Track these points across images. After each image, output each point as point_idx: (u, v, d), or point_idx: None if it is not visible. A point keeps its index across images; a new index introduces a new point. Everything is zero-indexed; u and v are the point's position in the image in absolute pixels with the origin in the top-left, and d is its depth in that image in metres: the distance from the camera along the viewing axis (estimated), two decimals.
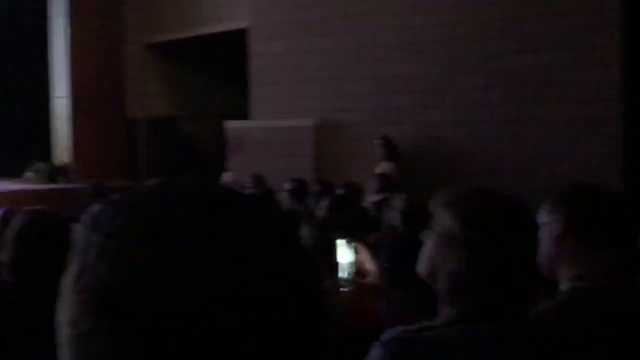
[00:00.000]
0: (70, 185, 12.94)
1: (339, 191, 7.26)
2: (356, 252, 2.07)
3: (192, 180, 0.75)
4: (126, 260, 0.65)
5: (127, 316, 0.64)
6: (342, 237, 1.99)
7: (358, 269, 2.06)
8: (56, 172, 13.54)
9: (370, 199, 7.73)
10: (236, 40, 12.34)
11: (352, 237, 2.04)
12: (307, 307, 0.70)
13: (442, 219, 1.80)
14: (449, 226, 1.77)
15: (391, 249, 4.82)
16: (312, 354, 0.70)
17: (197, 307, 0.64)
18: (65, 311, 0.67)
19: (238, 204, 0.72)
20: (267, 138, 11.29)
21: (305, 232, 2.97)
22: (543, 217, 2.19)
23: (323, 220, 3.33)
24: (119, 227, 0.67)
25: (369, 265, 2.07)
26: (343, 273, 1.99)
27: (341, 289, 2.03)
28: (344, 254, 1.99)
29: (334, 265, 1.99)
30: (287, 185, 7.69)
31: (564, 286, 2.14)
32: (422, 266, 1.85)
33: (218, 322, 0.64)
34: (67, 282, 0.68)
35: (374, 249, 4.95)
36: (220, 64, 14.84)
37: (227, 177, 9.38)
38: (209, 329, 0.64)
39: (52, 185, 12.92)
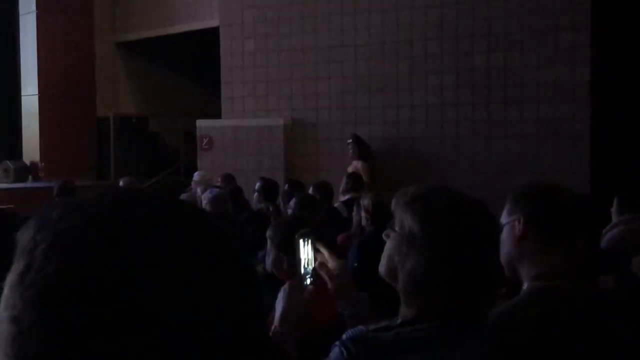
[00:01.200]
0: (38, 184, 12.83)
1: (309, 191, 7.25)
2: (317, 250, 2.06)
3: (157, 182, 0.76)
4: (74, 260, 0.66)
5: (72, 314, 0.64)
6: (304, 237, 1.98)
7: (317, 269, 2.05)
8: (24, 171, 13.41)
9: (341, 198, 7.73)
10: (206, 39, 12.30)
11: (315, 236, 2.03)
12: (238, 323, 0.71)
13: (402, 218, 1.80)
14: (409, 226, 1.78)
15: (359, 248, 4.84)
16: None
17: (142, 306, 0.65)
18: (7, 308, 0.67)
19: (184, 214, 0.74)
20: (238, 137, 11.26)
21: (270, 231, 2.97)
22: (504, 217, 2.20)
23: (288, 219, 3.32)
24: (68, 228, 0.68)
25: (331, 263, 2.06)
26: (302, 271, 1.98)
27: (303, 288, 2.02)
28: (303, 252, 1.99)
29: (296, 264, 1.99)
30: (257, 185, 7.67)
31: (525, 286, 2.15)
32: (382, 266, 1.86)
33: (161, 320, 0.65)
34: (12, 279, 0.68)
35: (343, 249, 4.96)
36: (191, 63, 14.79)
37: (197, 176, 9.33)
38: (153, 328, 0.65)
39: (21, 184, 12.80)
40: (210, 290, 0.69)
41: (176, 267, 0.67)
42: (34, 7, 13.94)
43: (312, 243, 2.03)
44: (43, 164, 13.69)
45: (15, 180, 12.96)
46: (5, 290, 0.69)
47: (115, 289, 0.65)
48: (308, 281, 2.04)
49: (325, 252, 2.08)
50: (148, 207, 0.72)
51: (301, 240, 1.98)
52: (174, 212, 0.73)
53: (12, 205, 8.22)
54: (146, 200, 0.74)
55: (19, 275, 0.67)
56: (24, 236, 0.70)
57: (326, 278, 2.05)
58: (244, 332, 0.72)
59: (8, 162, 13.35)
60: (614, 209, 5.41)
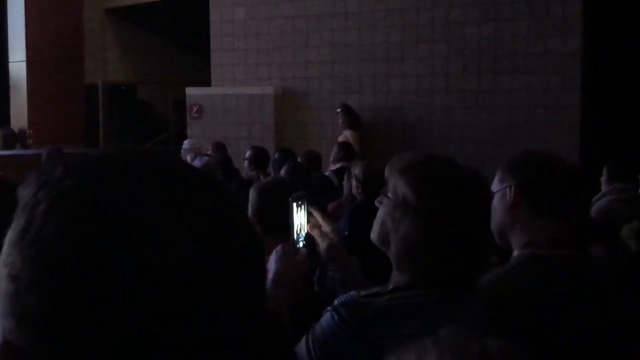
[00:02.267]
0: (27, 152, 12.78)
1: (300, 159, 7.25)
2: (310, 214, 2.07)
3: (147, 149, 0.76)
4: (74, 221, 0.65)
5: (69, 275, 0.64)
6: (298, 200, 1.98)
7: (309, 231, 2.06)
8: (13, 138, 13.35)
9: (331, 167, 7.74)
10: (196, 6, 12.21)
11: (307, 201, 2.03)
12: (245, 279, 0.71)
13: (396, 185, 1.81)
14: (402, 192, 1.78)
15: (349, 216, 4.85)
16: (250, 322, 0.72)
17: (142, 269, 0.64)
18: (6, 265, 0.67)
19: (184, 175, 0.73)
20: (228, 105, 11.22)
21: (252, 195, 2.99)
22: (495, 185, 2.20)
23: (266, 183, 3.34)
24: (70, 188, 0.68)
25: (325, 227, 2.07)
26: (294, 235, 1.98)
27: (297, 251, 2.02)
28: (297, 215, 1.99)
29: (288, 227, 1.99)
30: (248, 153, 7.66)
31: (515, 253, 2.16)
32: (375, 232, 1.86)
33: (161, 282, 0.65)
34: (12, 236, 0.68)
35: (334, 217, 4.97)
36: (180, 30, 14.68)
37: (187, 144, 9.31)
38: (153, 290, 0.65)
39: (9, 152, 12.74)
40: (214, 252, 0.68)
41: (178, 227, 0.67)
42: None
43: (305, 207, 2.03)
44: (31, 131, 13.62)
45: (4, 148, 12.90)
46: (5, 247, 0.68)
47: (115, 251, 0.64)
48: (301, 244, 2.04)
49: (318, 215, 2.08)
50: (151, 168, 0.72)
51: (295, 204, 1.99)
52: (178, 173, 0.73)
53: (0, 173, 8.18)
54: (148, 160, 0.73)
55: (19, 233, 0.67)
56: (25, 192, 0.70)
57: (318, 239, 2.06)
58: (251, 297, 0.72)
59: None
60: (603, 178, 5.45)
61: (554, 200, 2.12)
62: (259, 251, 0.75)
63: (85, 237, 0.65)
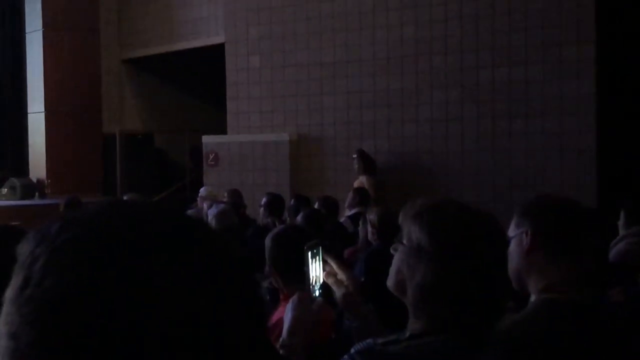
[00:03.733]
0: (45, 201, 12.85)
1: (315, 205, 7.26)
2: (325, 262, 2.06)
3: (163, 198, 0.76)
4: (72, 275, 0.65)
5: (69, 331, 0.63)
6: (313, 248, 1.98)
7: (325, 279, 2.05)
8: (31, 188, 13.43)
9: (347, 213, 7.73)
10: (212, 56, 12.34)
11: (322, 249, 2.03)
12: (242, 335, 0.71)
13: (410, 231, 1.80)
14: (417, 238, 1.77)
15: (365, 262, 4.83)
16: None
17: (141, 322, 0.64)
18: (7, 323, 0.66)
19: (185, 226, 0.73)
20: (243, 152, 11.29)
21: (267, 243, 2.99)
22: (512, 230, 2.19)
23: (282, 231, 3.34)
24: (66, 242, 0.67)
25: (341, 275, 2.06)
26: (310, 284, 1.98)
27: (313, 299, 2.02)
28: (312, 264, 1.98)
29: (304, 276, 1.99)
30: (263, 200, 7.68)
31: (533, 298, 2.15)
32: (391, 280, 1.85)
33: (161, 337, 0.64)
34: (10, 294, 0.68)
35: (350, 263, 4.95)
36: (196, 79, 14.83)
37: (203, 191, 9.34)
38: (153, 344, 0.64)
39: (27, 201, 12.81)
40: (211, 305, 0.68)
41: (177, 282, 0.66)
42: (40, 25, 14.00)
43: (320, 255, 2.03)
44: (49, 181, 13.71)
45: (22, 198, 12.97)
46: (5, 305, 0.68)
47: (114, 305, 0.64)
48: (317, 293, 2.04)
49: (333, 263, 2.07)
50: (148, 219, 0.72)
51: (309, 253, 1.98)
52: (175, 224, 0.72)
53: (19, 223, 8.23)
54: (146, 213, 0.73)
55: (17, 290, 0.67)
56: (23, 250, 0.69)
57: (334, 287, 2.05)
58: (248, 347, 0.71)
59: (15, 179, 13.36)
60: (620, 222, 5.40)
61: (570, 244, 2.11)
62: (258, 304, 0.75)
63: (82, 292, 0.64)
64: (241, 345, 0.70)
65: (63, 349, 0.63)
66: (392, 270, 1.84)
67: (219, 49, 11.94)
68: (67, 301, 0.64)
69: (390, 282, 1.85)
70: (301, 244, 1.99)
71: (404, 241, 1.82)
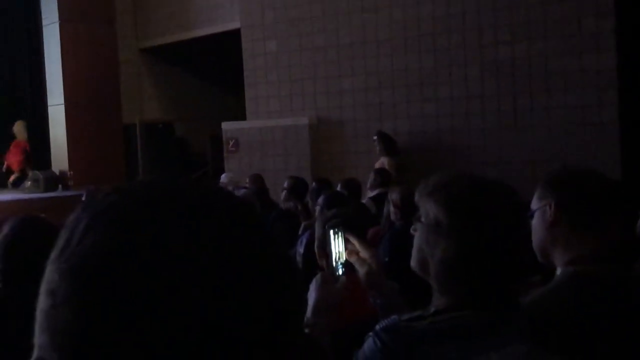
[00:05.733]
0: (68, 193, 12.93)
1: (337, 188, 7.25)
2: (348, 241, 2.06)
3: (186, 179, 0.78)
4: (110, 235, 0.67)
5: (104, 287, 0.64)
6: (335, 227, 1.98)
7: (348, 257, 2.05)
8: (54, 180, 13.52)
9: (369, 194, 7.72)
10: (229, 42, 12.34)
11: (345, 227, 2.03)
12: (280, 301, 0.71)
13: (427, 208, 1.79)
14: (434, 215, 1.76)
15: (389, 242, 4.82)
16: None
17: (176, 287, 0.65)
18: (47, 282, 0.68)
19: (223, 203, 0.74)
20: (263, 138, 11.29)
21: (317, 228, 2.99)
22: (535, 203, 2.17)
23: (331, 216, 3.33)
24: (109, 205, 0.70)
25: (363, 253, 2.06)
26: (333, 263, 1.98)
27: (336, 278, 2.02)
28: (334, 243, 1.99)
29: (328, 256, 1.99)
30: (286, 183, 7.68)
31: (559, 271, 2.13)
32: (414, 260, 1.83)
33: (194, 303, 0.65)
34: (53, 254, 0.70)
35: (373, 244, 4.94)
36: (214, 66, 14.85)
37: (225, 178, 9.36)
38: (186, 310, 0.65)
39: (50, 194, 12.91)
40: (249, 275, 0.69)
41: (216, 252, 0.67)
42: (56, 18, 14.05)
43: (342, 234, 2.03)
44: (72, 172, 13.79)
45: (46, 190, 13.06)
46: (48, 264, 0.70)
47: (148, 266, 0.65)
48: (340, 272, 2.03)
49: (355, 242, 2.07)
50: (187, 191, 0.73)
51: (332, 232, 1.98)
52: (220, 199, 0.74)
53: (43, 215, 8.28)
54: (186, 185, 0.75)
55: (59, 250, 0.69)
56: (71, 217, 0.72)
57: (357, 266, 2.05)
58: (286, 322, 0.71)
59: (37, 172, 13.46)
60: None
61: (595, 216, 2.08)
62: (293, 277, 0.75)
63: (119, 251, 0.66)
64: (281, 320, 0.70)
65: (96, 306, 0.64)
66: (414, 250, 1.83)
67: (236, 34, 11.93)
68: (103, 259, 0.66)
69: (413, 262, 1.84)
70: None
71: (422, 219, 1.80)
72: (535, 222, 2.12)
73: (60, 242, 0.70)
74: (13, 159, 14.66)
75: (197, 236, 0.68)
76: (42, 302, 0.68)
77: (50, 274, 0.68)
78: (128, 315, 0.64)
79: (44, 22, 14.42)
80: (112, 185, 0.75)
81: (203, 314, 0.65)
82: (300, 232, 6.06)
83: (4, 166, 14.69)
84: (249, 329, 0.67)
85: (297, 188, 7.60)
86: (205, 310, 0.65)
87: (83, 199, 7.73)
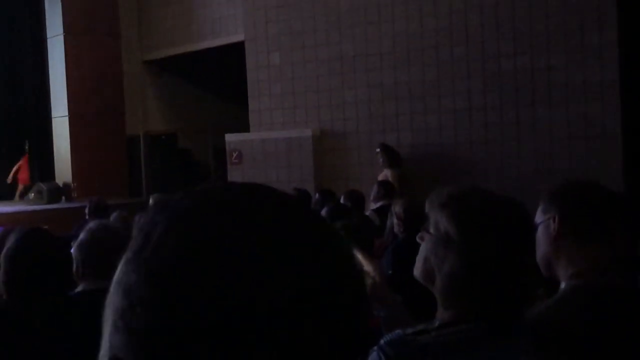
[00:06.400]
0: (72, 204, 12.95)
1: (341, 200, 7.25)
2: None
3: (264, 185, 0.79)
4: (191, 240, 0.68)
5: (183, 293, 0.65)
6: None
7: None
8: (57, 192, 13.55)
9: (372, 206, 7.72)
10: (232, 54, 12.38)
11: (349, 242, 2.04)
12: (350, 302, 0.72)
13: (437, 220, 1.79)
14: (444, 227, 1.76)
15: (392, 255, 4.82)
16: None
17: (253, 292, 0.65)
18: (120, 282, 0.69)
19: (300, 210, 0.75)
20: (267, 150, 11.31)
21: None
22: (539, 216, 2.17)
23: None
24: (188, 209, 0.71)
25: (367, 266, 2.06)
26: None
27: None
28: None
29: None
30: None
31: (563, 285, 2.13)
32: (418, 269, 1.84)
33: (268, 308, 0.66)
34: (129, 254, 0.70)
35: (377, 256, 4.94)
36: (217, 78, 14.88)
37: None
38: (260, 315, 0.65)
39: (54, 205, 12.93)
40: (323, 280, 0.69)
41: (291, 258, 0.68)
42: (61, 30, 14.12)
43: None
44: (75, 184, 13.82)
45: (49, 202, 13.09)
46: (120, 265, 0.71)
47: (227, 273, 0.66)
48: None
49: (359, 254, 2.07)
50: (266, 197, 0.74)
51: None
52: (292, 206, 0.74)
53: (46, 226, 8.29)
54: (264, 192, 0.75)
55: (135, 252, 0.70)
56: (142, 220, 0.73)
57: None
58: (355, 325, 0.72)
59: (41, 183, 13.50)
60: None
61: (598, 229, 2.09)
62: (361, 288, 0.75)
63: (200, 257, 0.66)
64: (351, 323, 0.71)
65: (177, 308, 0.65)
66: (419, 259, 1.83)
67: (239, 47, 11.97)
68: (185, 263, 0.66)
69: (417, 271, 1.84)
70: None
71: (431, 230, 1.80)
72: (539, 235, 2.12)
73: (135, 243, 0.70)
74: (24, 175, 14.69)
75: (274, 237, 0.68)
76: (117, 302, 0.69)
77: (126, 275, 0.69)
78: (208, 318, 0.65)
79: (49, 35, 14.49)
80: (183, 191, 0.76)
81: (288, 316, 0.66)
82: None
83: (10, 178, 14.70)
84: (323, 326, 0.68)
85: (302, 200, 7.60)
86: (290, 312, 0.66)
87: (87, 211, 7.73)
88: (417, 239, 1.84)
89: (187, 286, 0.65)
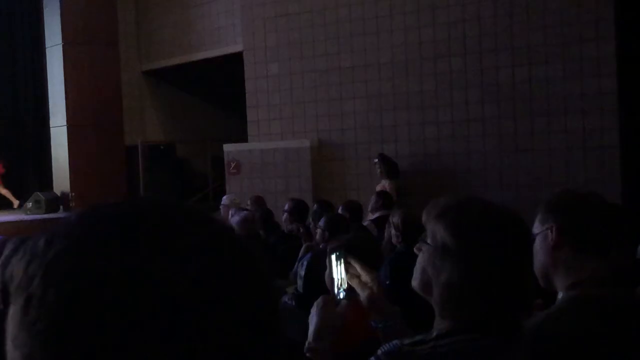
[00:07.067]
0: (69, 214, 12.91)
1: (339, 210, 7.25)
2: (349, 264, 2.06)
3: (136, 199, 0.74)
4: (72, 285, 0.64)
5: (82, 343, 0.62)
6: (336, 251, 1.98)
7: (349, 281, 2.05)
8: (56, 202, 13.53)
9: (370, 217, 7.72)
10: (231, 64, 12.39)
11: (346, 251, 2.03)
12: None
13: (435, 230, 1.78)
14: (442, 237, 1.75)
15: (390, 266, 4.81)
16: None
17: (148, 323, 0.63)
18: (17, 347, 0.65)
19: (188, 219, 0.71)
20: (265, 160, 11.31)
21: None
22: (537, 227, 2.17)
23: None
24: (58, 254, 0.66)
25: (365, 277, 2.06)
26: (334, 288, 1.99)
27: (337, 302, 2.02)
28: (336, 266, 1.99)
29: (331, 280, 2.00)
30: (287, 205, 7.68)
31: (560, 295, 2.12)
32: (416, 280, 1.83)
33: (169, 338, 0.63)
34: (15, 317, 0.67)
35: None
36: (216, 88, 14.89)
37: (226, 199, 9.36)
38: (167, 346, 0.63)
39: (52, 215, 12.91)
40: (224, 318, 0.66)
41: (179, 278, 0.64)
42: (59, 40, 14.12)
43: (344, 258, 2.03)
44: (73, 194, 13.80)
45: (47, 211, 13.07)
46: (10, 328, 0.67)
47: (120, 309, 0.62)
48: (341, 295, 2.03)
49: (357, 265, 2.07)
50: (134, 219, 0.70)
51: (333, 256, 1.98)
52: (165, 215, 0.71)
53: None
54: (133, 212, 0.71)
55: (21, 312, 0.65)
56: (14, 272, 0.68)
57: (358, 289, 2.04)
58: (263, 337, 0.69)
59: (39, 193, 13.47)
60: None
61: (596, 240, 2.08)
62: (268, 296, 0.72)
63: (84, 299, 0.63)
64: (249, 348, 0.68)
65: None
66: (417, 269, 1.83)
67: (238, 57, 11.99)
68: (73, 312, 0.63)
69: (415, 282, 1.83)
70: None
71: (429, 241, 1.80)
72: (537, 246, 2.12)
73: (18, 303, 0.66)
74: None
75: (158, 266, 0.65)
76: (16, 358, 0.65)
77: (19, 339, 0.65)
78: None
79: (47, 44, 14.49)
80: (46, 230, 0.70)
81: (183, 347, 0.63)
82: (300, 254, 6.04)
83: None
84: (230, 342, 0.66)
85: (299, 210, 7.60)
86: (184, 342, 0.63)
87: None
88: (415, 250, 1.84)
89: (82, 335, 0.62)
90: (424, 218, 1.84)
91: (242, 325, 0.67)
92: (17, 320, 0.66)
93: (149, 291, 0.63)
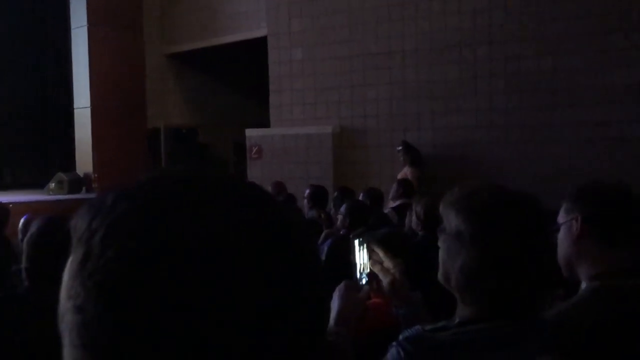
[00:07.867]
0: (92, 195, 13.00)
1: (360, 197, 7.24)
2: (372, 250, 2.06)
3: (201, 171, 0.74)
4: (132, 245, 0.64)
5: (134, 301, 0.63)
6: (359, 237, 1.99)
7: (371, 267, 2.06)
8: (78, 183, 13.62)
9: (390, 205, 7.70)
10: (255, 49, 12.39)
11: (370, 236, 2.04)
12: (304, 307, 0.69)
13: (449, 218, 1.78)
14: (455, 225, 1.75)
15: (411, 253, 4.80)
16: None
17: (201, 300, 0.63)
18: (70, 297, 0.66)
19: (243, 195, 0.72)
20: (286, 145, 11.31)
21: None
22: (561, 217, 2.16)
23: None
24: (123, 214, 0.67)
25: (387, 263, 2.06)
26: (356, 273, 1.99)
27: (360, 287, 2.03)
28: (359, 252, 1.99)
29: (352, 266, 2.00)
30: (307, 192, 7.68)
31: (583, 285, 2.11)
32: (440, 272, 1.82)
33: (220, 317, 0.64)
34: (71, 269, 0.67)
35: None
36: (239, 73, 14.90)
37: None
38: (215, 315, 0.63)
39: (75, 195, 12.99)
40: (272, 278, 0.66)
41: (237, 253, 0.65)
42: (85, 22, 14.17)
43: (367, 243, 2.03)
44: (96, 175, 13.88)
45: (70, 192, 13.16)
46: (66, 279, 0.68)
47: (176, 273, 0.63)
48: (364, 281, 2.04)
49: (380, 251, 2.07)
50: (199, 188, 0.70)
51: (356, 241, 1.99)
52: (232, 192, 0.71)
53: (70, 214, 8.33)
54: (197, 182, 0.72)
55: (78, 264, 0.66)
56: (78, 224, 0.69)
57: (381, 275, 2.05)
58: (310, 325, 0.69)
59: (62, 174, 13.56)
60: None
61: (621, 230, 2.07)
62: (319, 284, 0.72)
63: (144, 260, 0.64)
64: (304, 323, 0.69)
65: (129, 319, 0.63)
66: (440, 262, 1.83)
67: (262, 42, 11.98)
68: (130, 271, 0.63)
69: (439, 275, 1.83)
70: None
71: (446, 230, 1.80)
72: (561, 236, 2.11)
73: (77, 255, 0.67)
74: None
75: (219, 235, 0.65)
76: (70, 318, 0.66)
77: (74, 289, 0.66)
78: (162, 327, 0.62)
79: (72, 26, 14.54)
80: (114, 188, 0.71)
81: (233, 317, 0.64)
82: (320, 241, 6.04)
83: None
84: (278, 328, 0.66)
85: (318, 196, 7.60)
86: (235, 313, 0.64)
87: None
88: (439, 244, 1.83)
89: (136, 299, 0.62)
90: (440, 208, 1.84)
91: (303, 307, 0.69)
92: (74, 271, 0.67)
93: (211, 259, 0.64)
